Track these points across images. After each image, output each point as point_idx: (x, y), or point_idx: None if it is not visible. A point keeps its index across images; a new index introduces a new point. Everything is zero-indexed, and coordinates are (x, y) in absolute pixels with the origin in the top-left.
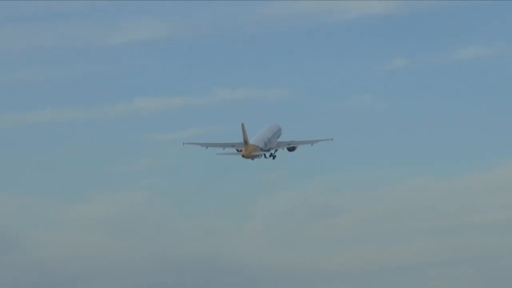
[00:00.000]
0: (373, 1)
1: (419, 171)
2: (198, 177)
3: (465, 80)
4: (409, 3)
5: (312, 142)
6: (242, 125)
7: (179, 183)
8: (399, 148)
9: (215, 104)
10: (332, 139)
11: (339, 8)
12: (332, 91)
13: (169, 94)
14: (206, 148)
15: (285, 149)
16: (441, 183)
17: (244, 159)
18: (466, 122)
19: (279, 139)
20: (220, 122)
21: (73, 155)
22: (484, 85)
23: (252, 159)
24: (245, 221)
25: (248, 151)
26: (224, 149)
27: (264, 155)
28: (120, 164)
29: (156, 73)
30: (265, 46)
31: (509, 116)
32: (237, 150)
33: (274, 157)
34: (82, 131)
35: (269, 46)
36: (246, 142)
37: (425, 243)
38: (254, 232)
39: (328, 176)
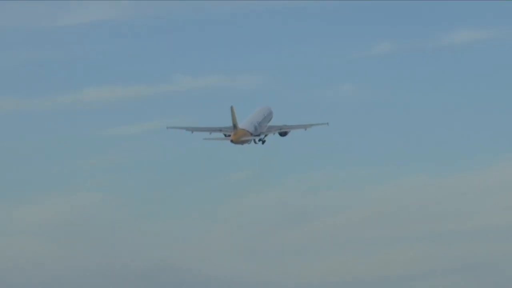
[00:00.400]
0: None
1: (409, 169)
2: (160, 175)
3: (459, 67)
4: None
5: (306, 127)
6: (232, 108)
7: (135, 183)
8: (385, 144)
9: (176, 93)
10: (328, 124)
11: None
12: (309, 79)
13: (123, 83)
14: (192, 132)
15: (277, 134)
16: (433, 184)
17: (232, 144)
18: (460, 115)
19: (270, 123)
20: (182, 114)
21: (14, 151)
22: (480, 73)
23: (242, 144)
24: (211, 227)
25: (237, 136)
26: (210, 133)
27: (254, 140)
28: (67, 162)
29: (108, 59)
30: (233, 29)
31: (508, 107)
32: (225, 135)
33: (263, 142)
34: (25, 124)
35: (237, 29)
36: (235, 126)
37: (415, 251)
38: (221, 239)
39: (306, 175)
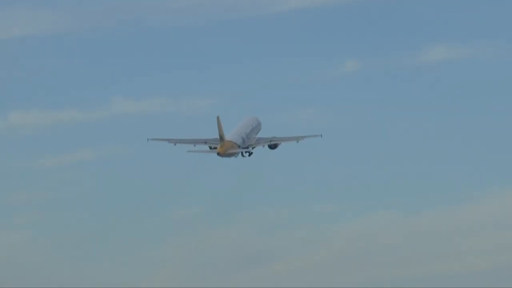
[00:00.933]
0: None
1: (378, 206)
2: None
3: (434, 87)
4: None
5: (297, 139)
6: (218, 118)
7: (65, 218)
8: (352, 177)
9: (114, 118)
10: (321, 136)
11: None
12: (264, 103)
13: (54, 107)
14: (175, 144)
15: (266, 147)
16: (405, 221)
17: (219, 157)
18: (438, 142)
19: (259, 135)
20: (123, 141)
21: None
22: (456, 94)
23: (229, 157)
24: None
25: (224, 148)
26: (195, 146)
27: (242, 153)
28: None
29: (38, 79)
30: (178, 46)
31: (490, 132)
32: (210, 148)
33: (250, 154)
34: None
35: (183, 45)
36: (221, 138)
37: None
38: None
39: (261, 213)
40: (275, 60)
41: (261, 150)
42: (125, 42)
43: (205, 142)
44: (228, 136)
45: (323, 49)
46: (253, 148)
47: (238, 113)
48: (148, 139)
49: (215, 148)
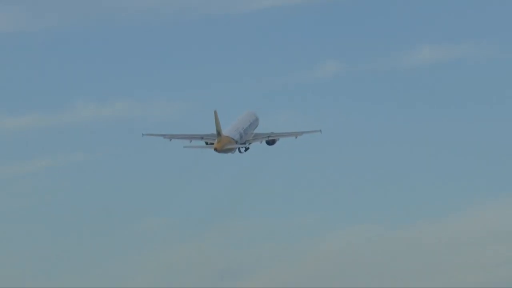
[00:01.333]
0: None
1: (360, 220)
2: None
3: (420, 92)
4: None
5: (296, 134)
6: (215, 113)
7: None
8: (331, 189)
9: (77, 124)
10: (321, 131)
11: None
12: (238, 108)
13: (13, 112)
14: (170, 140)
15: (264, 143)
16: (389, 237)
17: (216, 153)
18: (425, 148)
19: (256, 130)
20: (86, 149)
21: None
22: (445, 97)
23: (226, 153)
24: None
25: (221, 144)
26: (191, 141)
27: (239, 149)
28: None
29: None
30: (146, 46)
31: (480, 138)
32: (206, 143)
33: (247, 149)
34: None
35: (150, 45)
36: (219, 133)
37: None
38: None
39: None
40: (252, 61)
41: (258, 147)
42: (89, 42)
43: (201, 137)
44: (225, 132)
45: (303, 49)
46: (249, 144)
47: (208, 118)
48: (143, 134)
49: (212, 143)
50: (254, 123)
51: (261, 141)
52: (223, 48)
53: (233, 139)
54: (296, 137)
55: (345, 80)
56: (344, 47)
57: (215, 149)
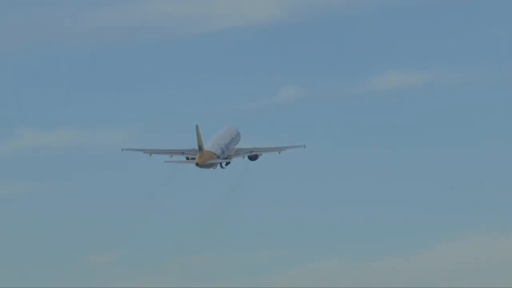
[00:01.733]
0: (254, 4)
1: (323, 253)
2: None
3: (383, 118)
4: (306, 8)
5: (279, 150)
6: (197, 127)
7: None
8: (292, 222)
9: (18, 153)
10: (304, 146)
11: (199, 15)
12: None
13: None
14: (150, 155)
15: (246, 158)
16: (351, 270)
17: (197, 168)
18: (388, 178)
19: (238, 146)
20: (26, 179)
21: None
22: (410, 124)
23: (208, 168)
24: None
25: (203, 158)
26: (171, 156)
27: (221, 164)
28: None
29: None
30: (91, 69)
31: (448, 166)
32: (187, 158)
33: (227, 163)
34: None
35: (96, 68)
36: (200, 148)
37: None
38: None
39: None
40: (209, 84)
41: (240, 162)
42: (29, 65)
43: (182, 152)
44: (206, 147)
45: (264, 73)
46: (231, 159)
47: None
48: (122, 149)
49: (193, 158)
50: (236, 138)
51: (244, 156)
52: (176, 71)
53: (215, 154)
54: (279, 152)
55: (307, 105)
56: (306, 71)
57: (197, 164)
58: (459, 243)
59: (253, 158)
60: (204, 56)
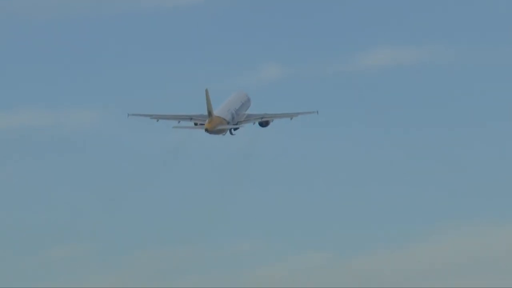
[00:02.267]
0: None
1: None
2: None
3: (376, 97)
4: None
5: (291, 116)
6: (206, 91)
7: None
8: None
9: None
10: (318, 112)
11: None
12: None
13: None
14: (157, 121)
15: (257, 124)
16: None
17: (207, 135)
18: (379, 163)
19: (248, 111)
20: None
21: None
22: (405, 105)
23: (217, 134)
24: None
25: (212, 124)
26: (179, 122)
27: (230, 130)
28: None
29: None
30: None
31: (443, 150)
32: (195, 124)
33: (236, 129)
34: None
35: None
36: (210, 113)
37: None
38: None
39: None
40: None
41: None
42: None
43: (190, 118)
44: (216, 112)
45: (244, 49)
46: (241, 125)
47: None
48: (128, 115)
49: (202, 124)
50: (246, 103)
51: (254, 123)
52: (147, 47)
53: (224, 119)
54: (291, 119)
55: (292, 84)
56: (291, 48)
57: (206, 130)
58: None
59: (264, 124)
60: (175, 31)
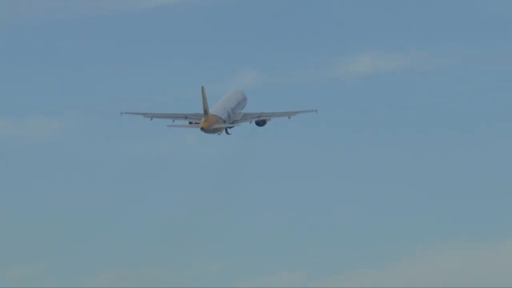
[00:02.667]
0: None
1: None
2: None
3: (358, 106)
4: None
5: (289, 114)
6: (202, 89)
7: None
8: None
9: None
10: (316, 111)
11: None
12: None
13: None
14: (151, 119)
15: (254, 123)
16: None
17: (201, 133)
18: (361, 177)
19: (244, 110)
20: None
21: None
22: (388, 115)
23: (213, 134)
24: None
25: (208, 122)
26: (173, 121)
27: (226, 130)
28: None
29: None
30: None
31: (427, 164)
32: (190, 123)
33: (231, 127)
34: None
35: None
36: (205, 111)
37: None
38: None
39: None
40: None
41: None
42: None
43: (185, 117)
44: (212, 110)
45: (220, 56)
46: (238, 124)
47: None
48: (121, 113)
49: (197, 123)
50: (242, 102)
51: (251, 122)
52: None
53: (220, 118)
54: (289, 117)
55: (271, 91)
56: (269, 54)
57: (202, 129)
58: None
59: (261, 123)
60: (147, 33)
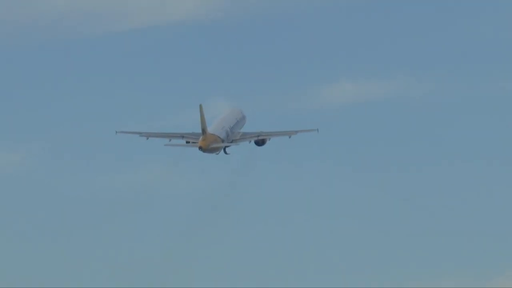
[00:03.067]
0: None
1: None
2: None
3: (337, 137)
4: (243, 5)
5: (289, 134)
6: (200, 107)
7: None
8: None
9: None
10: (318, 130)
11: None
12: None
13: None
14: (147, 139)
15: (253, 143)
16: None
17: (201, 153)
18: (339, 210)
19: (243, 130)
20: None
21: None
22: (368, 145)
23: (211, 153)
24: None
25: (207, 142)
26: (170, 140)
27: (224, 149)
28: None
29: None
30: None
31: (410, 193)
32: (187, 142)
33: (227, 147)
34: None
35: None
36: (204, 130)
37: None
38: None
39: None
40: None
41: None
42: None
43: (182, 136)
44: (210, 130)
45: (193, 82)
46: (237, 144)
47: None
48: (116, 132)
49: (194, 142)
50: (241, 121)
51: (250, 141)
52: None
53: (219, 137)
54: (289, 137)
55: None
56: (238, 81)
57: (200, 148)
58: None
59: (260, 143)
60: (119, 58)
